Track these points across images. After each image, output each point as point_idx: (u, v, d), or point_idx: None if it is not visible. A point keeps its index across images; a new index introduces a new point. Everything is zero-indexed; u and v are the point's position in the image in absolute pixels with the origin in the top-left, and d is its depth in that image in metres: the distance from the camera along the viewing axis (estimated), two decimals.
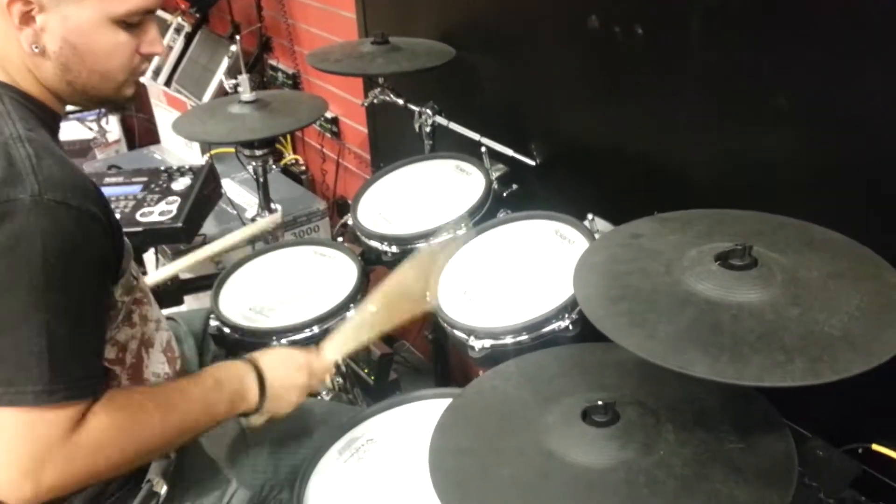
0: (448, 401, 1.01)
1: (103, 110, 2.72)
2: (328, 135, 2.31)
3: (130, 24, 0.86)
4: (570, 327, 1.06)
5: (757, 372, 0.65)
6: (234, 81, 1.56)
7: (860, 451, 1.02)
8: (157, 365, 1.02)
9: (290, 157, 2.52)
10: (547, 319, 1.06)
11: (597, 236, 1.18)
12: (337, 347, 1.07)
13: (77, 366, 0.78)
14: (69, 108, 0.94)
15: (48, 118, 0.89)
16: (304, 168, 2.53)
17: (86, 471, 0.79)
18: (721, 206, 0.93)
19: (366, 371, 2.15)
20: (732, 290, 0.73)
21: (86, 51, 0.85)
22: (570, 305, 1.07)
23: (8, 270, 0.73)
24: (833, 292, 0.73)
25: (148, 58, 0.92)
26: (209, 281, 1.47)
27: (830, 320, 0.69)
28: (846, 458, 1.00)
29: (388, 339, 2.32)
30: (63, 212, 0.76)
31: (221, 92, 2.37)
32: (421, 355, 2.31)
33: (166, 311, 1.18)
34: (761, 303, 0.72)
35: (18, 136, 0.79)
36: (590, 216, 1.21)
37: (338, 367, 1.97)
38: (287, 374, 1.00)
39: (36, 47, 0.83)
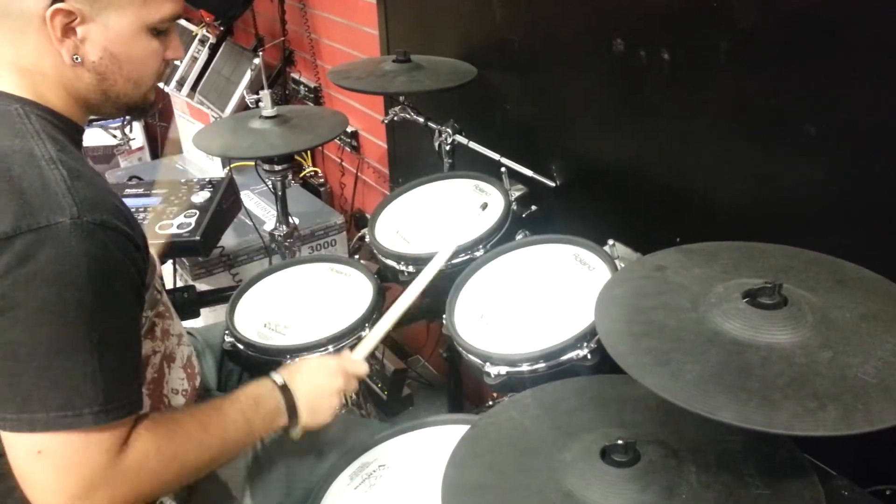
0: (462, 427, 0.99)
1: (127, 118, 2.75)
2: (348, 149, 2.31)
3: (160, 30, 0.89)
4: (589, 356, 1.04)
5: (787, 419, 0.62)
6: (255, 97, 1.56)
7: (888, 493, 0.98)
8: (177, 381, 1.02)
9: (309, 169, 2.53)
10: (565, 348, 1.04)
11: (617, 262, 1.16)
12: (365, 346, 1.11)
13: (126, 384, 0.79)
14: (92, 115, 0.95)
15: (73, 132, 0.89)
16: (322, 180, 2.53)
17: (132, 494, 0.79)
18: (745, 236, 0.91)
19: (379, 386, 2.14)
20: (761, 330, 0.71)
21: (124, 59, 0.87)
22: (590, 334, 1.04)
23: (57, 296, 0.73)
24: (866, 335, 0.70)
25: (169, 63, 0.94)
26: (226, 294, 1.47)
27: (864, 366, 0.66)
28: (873, 500, 0.97)
29: (403, 354, 2.31)
30: (101, 232, 0.76)
31: (244, 104, 2.38)
32: (435, 371, 2.29)
33: (184, 325, 1.17)
34: (791, 345, 0.69)
35: (51, 158, 0.79)
36: (610, 242, 1.19)
37: None
38: (320, 383, 1.01)
39: (77, 58, 0.84)
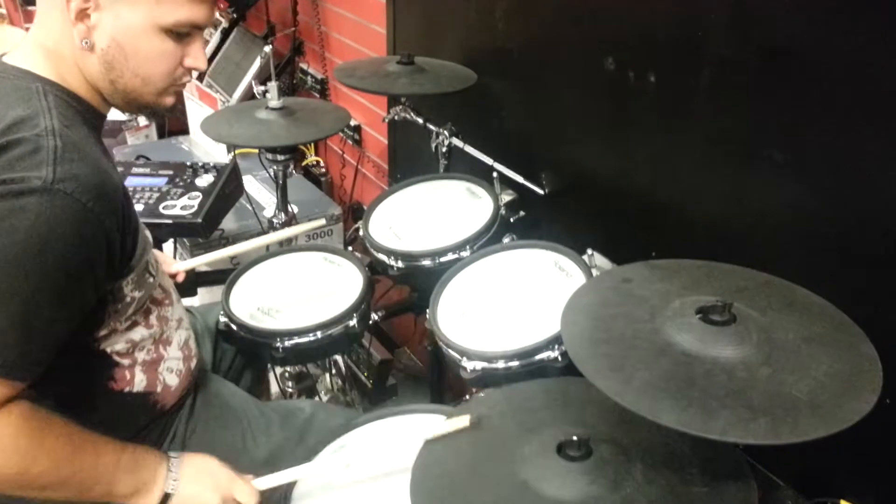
0: (438, 417, 1.06)
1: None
2: (350, 142, 2.37)
3: (179, 34, 0.91)
4: (560, 358, 1.10)
5: (722, 426, 0.69)
6: (263, 88, 1.61)
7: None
8: (173, 361, 1.07)
9: (311, 158, 2.59)
10: (538, 349, 1.10)
11: (594, 271, 1.22)
12: (269, 482, 1.02)
13: (12, 346, 0.79)
14: None
15: (91, 116, 0.94)
16: (324, 170, 2.59)
17: None
18: (715, 254, 0.97)
19: (365, 375, 2.20)
20: (709, 344, 0.77)
21: (131, 52, 0.89)
22: (561, 337, 1.11)
23: None
24: (805, 356, 0.76)
25: (190, 71, 0.96)
26: (224, 275, 1.53)
27: (798, 384, 0.73)
28: None
29: (390, 344, 2.37)
30: (67, 203, 0.79)
31: (252, 91, 2.44)
32: (420, 363, 2.36)
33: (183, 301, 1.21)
34: (735, 359, 0.76)
35: (52, 130, 0.83)
36: (589, 251, 1.25)
37: (338, 368, 2.03)
38: (200, 490, 0.96)
39: (86, 42, 0.88)
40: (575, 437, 0.81)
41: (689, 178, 1.18)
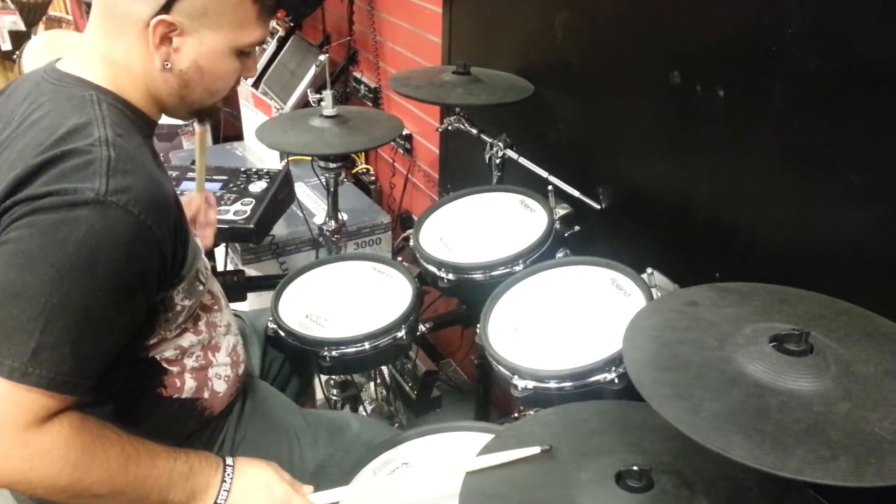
0: (486, 436, 1.03)
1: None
2: (401, 151, 2.37)
3: (244, 52, 0.96)
4: (616, 381, 1.06)
5: (798, 465, 0.64)
6: (318, 96, 1.62)
7: None
8: (221, 367, 1.07)
9: (362, 166, 2.60)
10: (594, 370, 1.07)
11: (654, 291, 1.18)
12: (326, 498, 0.99)
13: (64, 360, 0.78)
14: None
15: (144, 125, 0.96)
16: (374, 178, 2.59)
17: (19, 470, 0.78)
18: (785, 278, 0.92)
19: (409, 385, 2.19)
20: (784, 375, 0.72)
21: (207, 72, 0.94)
22: (619, 359, 1.07)
23: (41, 247, 0.77)
24: (888, 391, 0.71)
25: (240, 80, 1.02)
26: (273, 280, 1.54)
27: (882, 422, 0.68)
28: None
29: (436, 356, 2.36)
30: (119, 215, 0.79)
31: (306, 98, 2.46)
32: (465, 376, 2.33)
33: (232, 306, 1.22)
34: (811, 393, 0.71)
35: (105, 140, 0.83)
36: (649, 270, 1.21)
37: (383, 378, 2.02)
38: (256, 498, 0.96)
39: (167, 64, 0.91)
40: (636, 467, 0.77)
41: (758, 198, 1.12)
